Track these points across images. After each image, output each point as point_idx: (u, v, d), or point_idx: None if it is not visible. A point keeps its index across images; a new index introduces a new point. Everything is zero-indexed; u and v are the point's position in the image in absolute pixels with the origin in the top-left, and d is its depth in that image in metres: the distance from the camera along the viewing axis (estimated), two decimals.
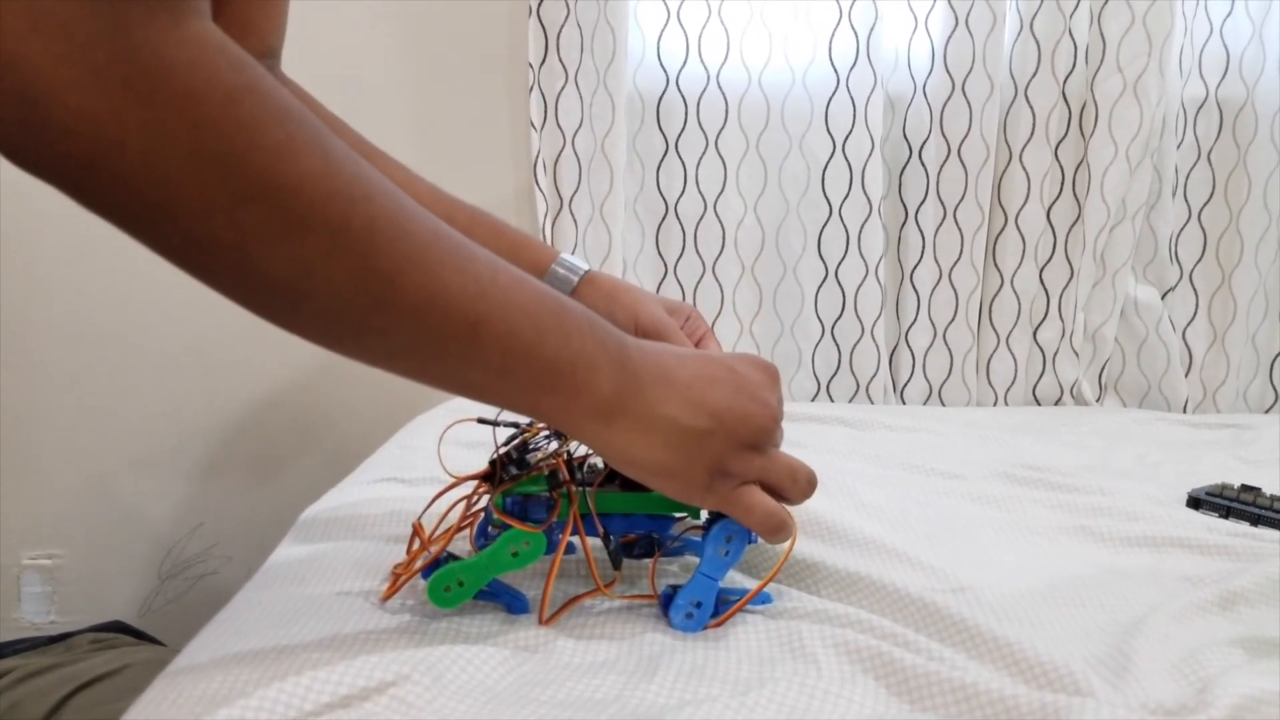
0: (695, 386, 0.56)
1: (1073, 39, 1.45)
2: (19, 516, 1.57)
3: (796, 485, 0.60)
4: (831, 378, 1.55)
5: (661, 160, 1.50)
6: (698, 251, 1.52)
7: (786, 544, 0.66)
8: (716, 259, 1.52)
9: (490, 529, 0.68)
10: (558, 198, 1.49)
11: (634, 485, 0.64)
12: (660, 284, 1.53)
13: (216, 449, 1.58)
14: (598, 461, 0.66)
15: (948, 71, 1.46)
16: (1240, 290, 1.53)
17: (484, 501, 0.68)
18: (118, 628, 1.18)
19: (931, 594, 0.66)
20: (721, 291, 1.52)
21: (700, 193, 1.50)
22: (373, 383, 1.56)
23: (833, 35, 1.45)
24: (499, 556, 0.61)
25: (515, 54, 1.49)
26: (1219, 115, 1.51)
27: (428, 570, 0.63)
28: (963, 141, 1.47)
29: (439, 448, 0.79)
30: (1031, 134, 1.47)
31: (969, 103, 1.46)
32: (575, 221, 1.49)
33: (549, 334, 0.52)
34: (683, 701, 0.50)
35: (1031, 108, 1.46)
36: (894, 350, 1.56)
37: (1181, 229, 1.54)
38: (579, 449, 0.65)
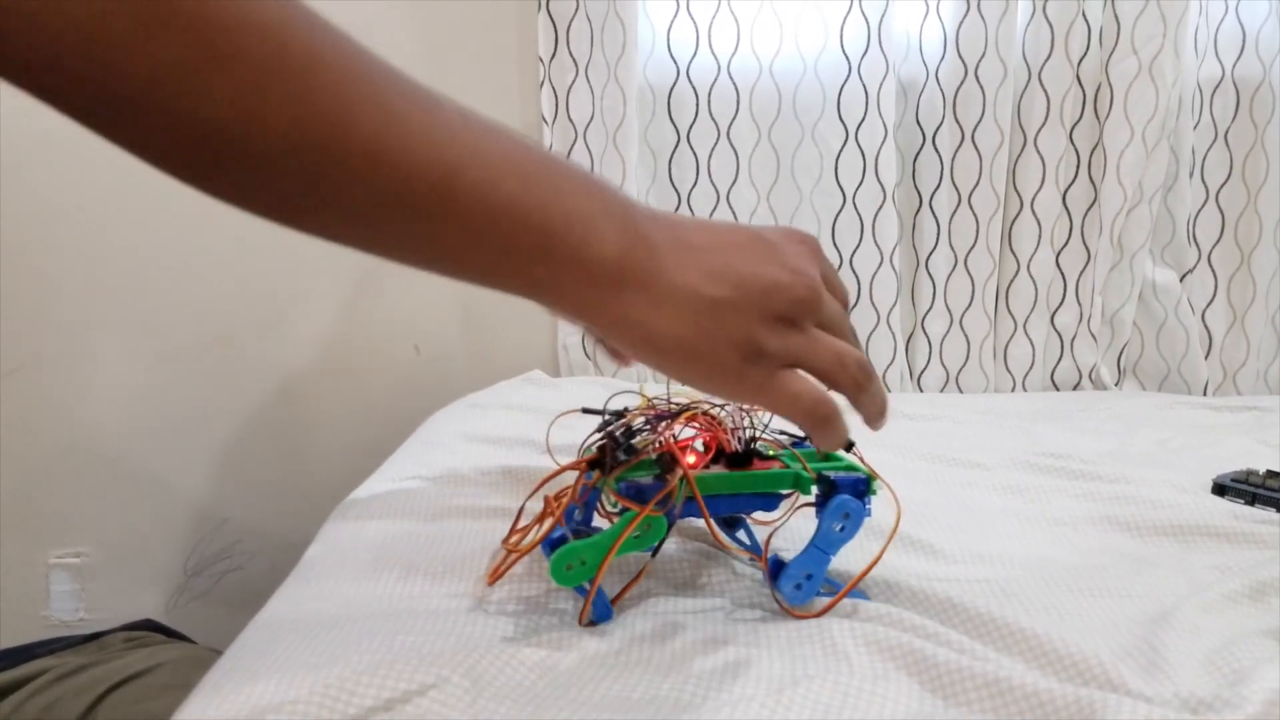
0: (717, 252, 0.49)
1: (1086, 21, 1.44)
2: (46, 515, 1.58)
3: (845, 370, 0.52)
4: None
5: (673, 152, 1.50)
6: None
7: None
8: None
9: (594, 511, 0.68)
10: None
11: (740, 465, 0.65)
12: None
13: (239, 445, 1.59)
14: (698, 444, 0.66)
15: (960, 56, 1.45)
16: (1260, 271, 1.52)
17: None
18: (149, 626, 1.19)
19: (958, 586, 0.66)
20: None
21: (713, 184, 1.50)
22: (393, 376, 1.57)
23: (844, 22, 1.44)
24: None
25: (525, 48, 1.49)
26: (1236, 95, 1.50)
27: (548, 546, 0.63)
28: (976, 127, 1.46)
29: (548, 435, 0.79)
30: (1046, 118, 1.46)
31: (982, 87, 1.45)
32: None
33: (537, 185, 0.44)
34: (719, 702, 0.50)
35: (1046, 91, 1.46)
36: (910, 337, 1.55)
37: (1199, 210, 1.53)
38: (682, 431, 0.66)
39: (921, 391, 1.55)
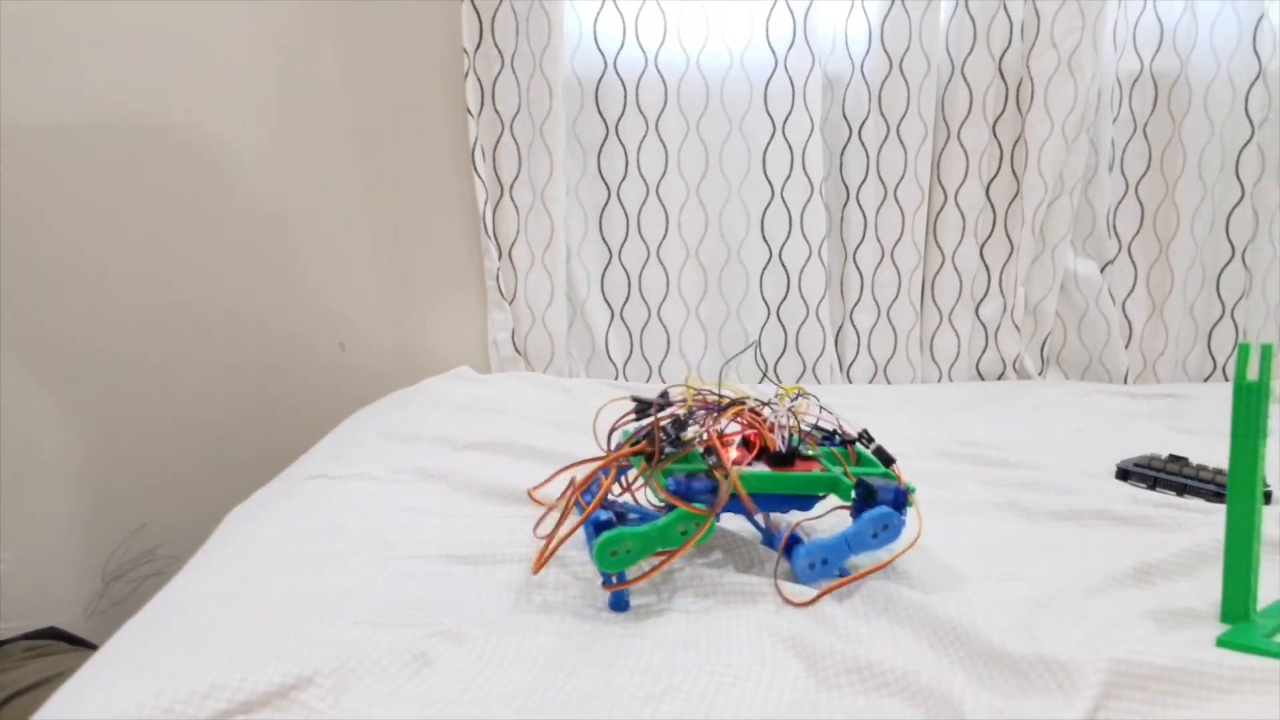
0: None
1: (1008, 15, 1.45)
2: None
3: None
4: (779, 359, 1.55)
5: (602, 144, 1.49)
6: (642, 236, 1.51)
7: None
8: (661, 243, 1.51)
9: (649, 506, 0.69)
10: (498, 185, 1.48)
11: (782, 464, 0.66)
12: (605, 270, 1.52)
13: (157, 448, 1.56)
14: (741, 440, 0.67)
15: (885, 50, 1.45)
16: (1177, 261, 1.54)
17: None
18: (52, 634, 1.16)
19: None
20: (667, 276, 1.52)
21: (642, 177, 1.49)
22: (317, 374, 1.55)
23: (769, 16, 1.44)
24: (669, 533, 0.61)
25: (449, 39, 1.47)
26: (1154, 88, 1.52)
27: (593, 528, 0.63)
28: (901, 120, 1.47)
29: (594, 423, 0.79)
30: (969, 111, 1.47)
31: (906, 81, 1.46)
32: (517, 209, 1.48)
33: None
34: (589, 694, 0.49)
35: (968, 85, 1.47)
36: (839, 330, 1.56)
37: (1119, 202, 1.55)
38: (727, 426, 0.67)
39: (851, 383, 1.56)
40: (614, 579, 0.62)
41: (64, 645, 1.12)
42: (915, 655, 0.54)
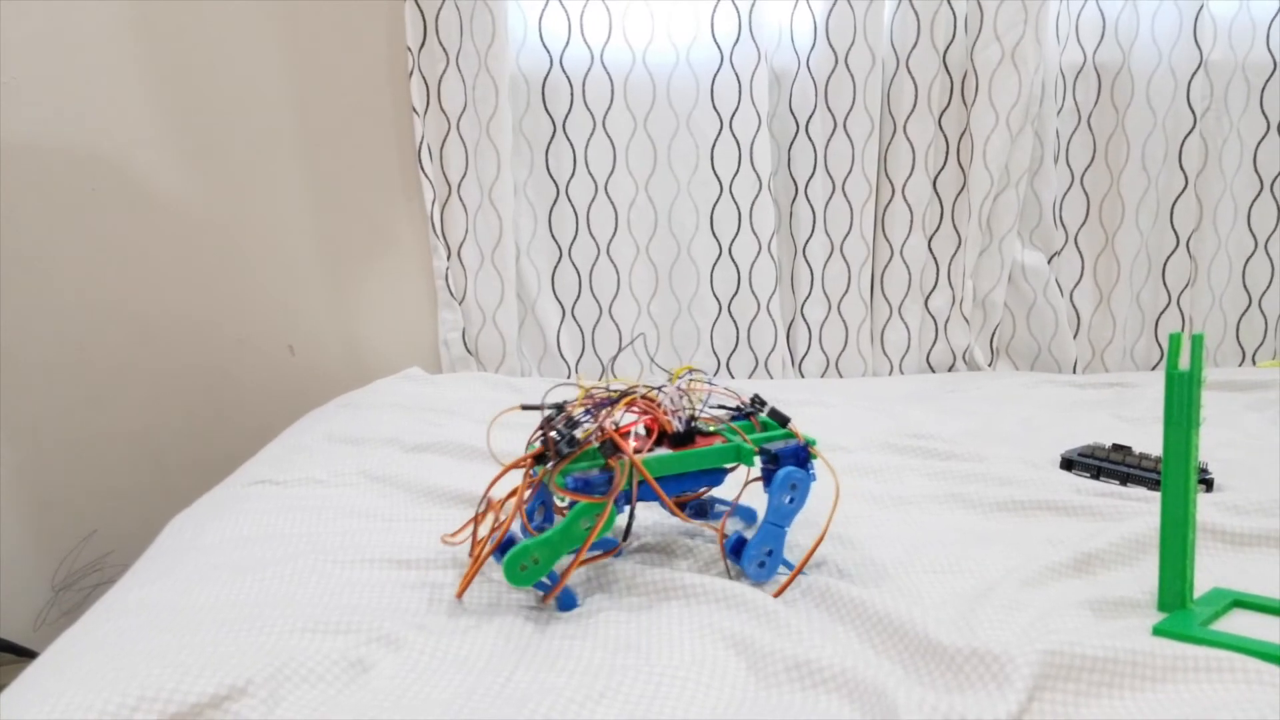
0: None
1: (951, 8, 1.46)
2: None
3: None
4: (731, 354, 1.55)
5: (550, 142, 1.48)
6: (591, 234, 1.51)
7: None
8: (611, 240, 1.51)
9: (553, 511, 0.69)
10: (445, 184, 1.47)
11: (683, 445, 0.66)
12: (555, 268, 1.51)
13: (107, 455, 1.53)
14: (639, 429, 0.67)
15: (830, 45, 1.46)
16: (1123, 251, 1.57)
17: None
18: None
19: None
20: (617, 273, 1.51)
21: (590, 174, 1.49)
22: (267, 378, 1.53)
23: (714, 12, 1.44)
24: (572, 531, 0.61)
25: (394, 38, 1.46)
26: (1097, 80, 1.54)
27: (500, 552, 0.63)
28: (848, 114, 1.48)
29: (488, 432, 0.78)
30: (915, 105, 1.49)
31: (852, 75, 1.46)
32: (465, 208, 1.47)
33: None
34: (526, 696, 0.49)
35: (913, 79, 1.48)
36: (790, 324, 1.57)
37: (1065, 193, 1.57)
38: (623, 417, 0.67)
39: (803, 377, 1.56)
40: (546, 583, 0.62)
41: (9, 657, 1.09)
42: (854, 651, 0.55)
